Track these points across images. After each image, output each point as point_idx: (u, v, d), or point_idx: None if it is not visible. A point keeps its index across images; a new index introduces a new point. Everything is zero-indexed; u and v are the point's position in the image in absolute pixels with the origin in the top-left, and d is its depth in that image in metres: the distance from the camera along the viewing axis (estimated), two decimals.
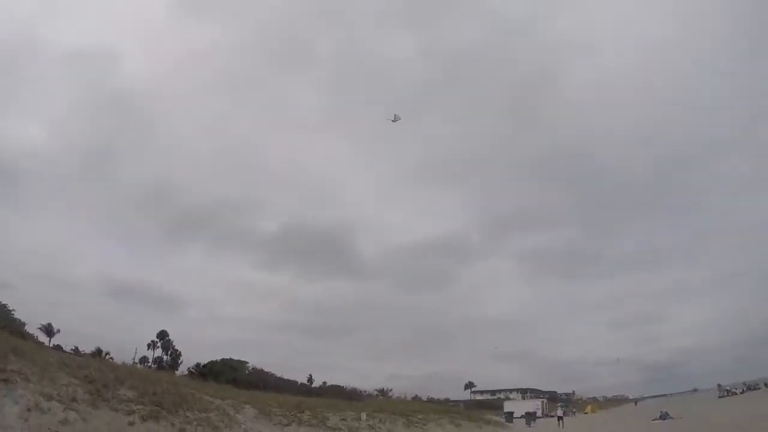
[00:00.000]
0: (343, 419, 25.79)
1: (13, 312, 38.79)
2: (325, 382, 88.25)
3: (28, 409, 12.87)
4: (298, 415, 23.59)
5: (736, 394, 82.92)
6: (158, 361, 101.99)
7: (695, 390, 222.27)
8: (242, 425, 19.15)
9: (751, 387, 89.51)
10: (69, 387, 14.93)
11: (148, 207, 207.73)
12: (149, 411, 15.97)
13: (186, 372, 68.08)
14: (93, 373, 17.06)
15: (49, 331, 74.31)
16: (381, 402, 40.67)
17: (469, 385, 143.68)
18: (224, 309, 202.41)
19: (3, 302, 38.33)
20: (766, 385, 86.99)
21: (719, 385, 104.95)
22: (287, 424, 21.75)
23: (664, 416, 43.74)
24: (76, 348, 59.03)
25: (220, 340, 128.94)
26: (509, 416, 63.82)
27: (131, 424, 14.89)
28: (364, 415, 27.45)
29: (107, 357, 61.29)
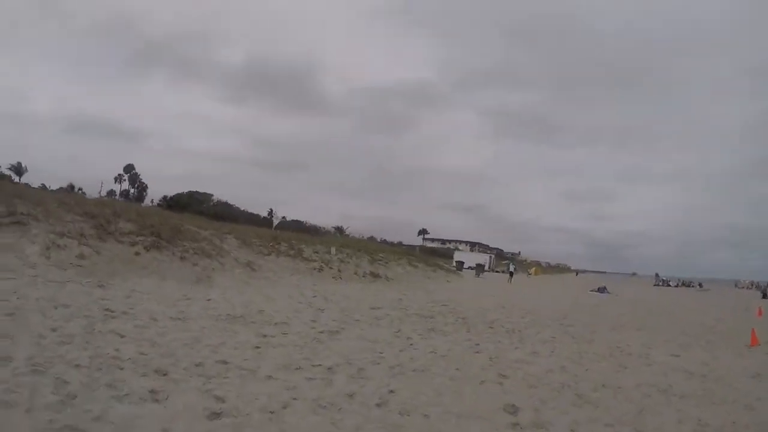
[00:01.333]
0: (316, 252, 27.13)
1: None
2: (284, 217, 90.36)
3: (47, 247, 13.60)
4: (276, 246, 24.78)
5: (670, 285, 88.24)
6: (125, 194, 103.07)
7: (634, 274, 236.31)
8: (231, 253, 20.30)
9: (685, 283, 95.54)
10: (75, 224, 15.77)
11: (106, 39, 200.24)
12: (151, 242, 16.99)
13: (153, 204, 69.02)
14: (93, 209, 17.94)
15: (18, 170, 74.07)
16: (344, 239, 42.18)
17: (422, 232, 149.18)
18: (187, 142, 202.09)
19: None
20: (700, 285, 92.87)
21: (657, 274, 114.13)
22: (267, 254, 22.89)
23: (602, 290, 46.99)
24: (44, 185, 59.04)
25: (184, 173, 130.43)
26: (459, 265, 67.15)
27: (137, 254, 15.86)
28: (333, 249, 28.91)
29: (80, 192, 61.52)
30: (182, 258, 17.14)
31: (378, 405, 6.29)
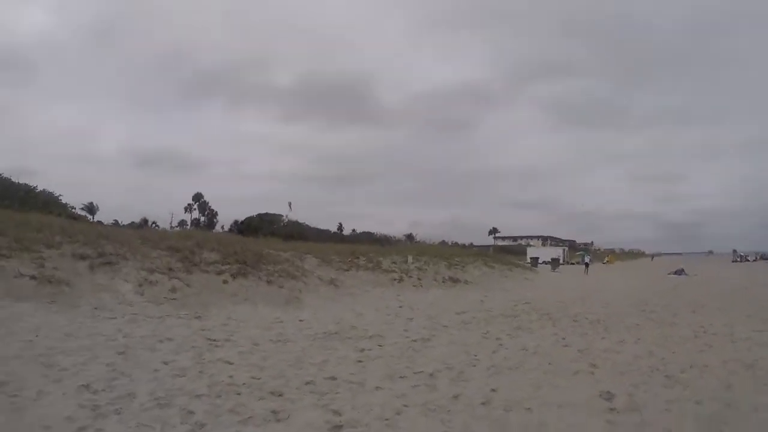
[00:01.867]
0: (394, 262, 27.53)
1: (60, 197, 39.57)
2: (354, 230, 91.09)
3: (140, 284, 14.20)
4: (355, 260, 25.23)
5: (748, 260, 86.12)
6: (196, 222, 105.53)
7: (710, 252, 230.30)
8: (314, 273, 20.81)
9: (764, 257, 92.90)
10: (161, 259, 16.35)
11: (161, 74, 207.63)
12: (236, 269, 17.51)
13: (226, 230, 70.31)
14: (176, 243, 18.60)
15: (91, 209, 76.57)
16: (418, 246, 42.41)
17: (493, 231, 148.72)
18: (249, 167, 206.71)
19: (48, 190, 38.89)
20: None
21: (734, 251, 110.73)
22: (347, 269, 23.31)
23: (679, 272, 46.58)
24: (116, 221, 61.02)
25: (250, 196, 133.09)
26: (534, 261, 67.09)
27: (225, 282, 16.37)
28: (410, 258, 29.24)
29: (153, 225, 63.58)
30: (269, 282, 17.58)
31: (483, 404, 6.87)
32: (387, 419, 6.16)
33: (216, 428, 5.65)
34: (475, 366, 9.10)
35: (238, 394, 6.83)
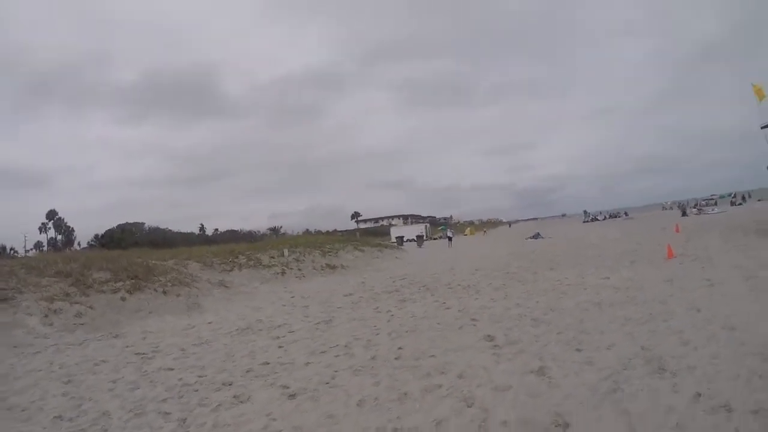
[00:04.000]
0: (272, 257, 28.48)
1: None
2: (217, 230, 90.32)
3: (45, 315, 14.00)
4: (234, 260, 26.02)
5: (598, 220, 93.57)
6: (53, 242, 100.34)
7: (564, 215, 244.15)
8: (202, 277, 21.34)
9: (612, 215, 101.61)
10: (53, 286, 16.20)
11: None
12: (131, 285, 17.70)
13: (87, 246, 67.91)
14: (62, 267, 18.38)
15: None
16: (289, 239, 43.26)
17: (356, 215, 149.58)
18: (99, 174, 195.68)
19: None
20: (626, 214, 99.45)
21: (585, 212, 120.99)
22: (230, 270, 24.07)
23: (536, 236, 50.79)
24: None
25: (105, 206, 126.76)
26: (400, 240, 70.08)
27: (123, 299, 16.48)
28: (286, 251, 30.21)
29: (11, 252, 60.55)
30: (165, 293, 17.98)
31: (396, 359, 8.59)
32: (327, 383, 7.61)
33: (196, 419, 6.57)
34: (378, 334, 10.75)
35: (196, 391, 7.81)
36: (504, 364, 7.67)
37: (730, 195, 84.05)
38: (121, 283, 17.71)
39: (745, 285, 11.46)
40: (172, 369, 9.32)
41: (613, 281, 14.39)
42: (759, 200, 53.33)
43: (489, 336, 9.46)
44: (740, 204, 67.51)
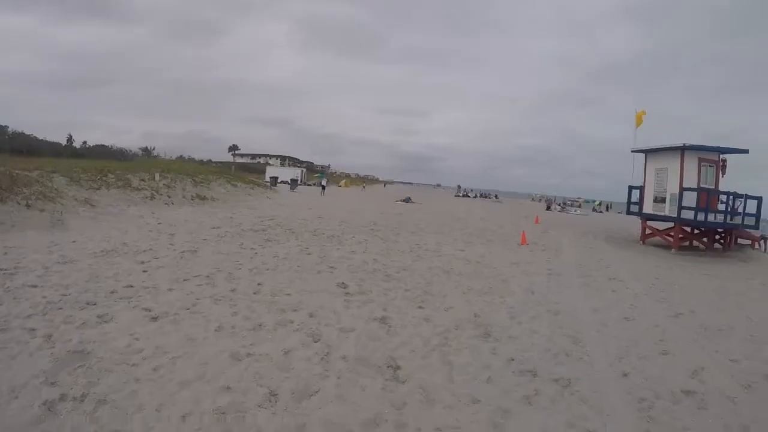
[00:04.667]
0: (143, 180, 27.83)
1: None
2: (85, 142, 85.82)
3: None
4: (104, 178, 25.19)
5: (469, 196, 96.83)
6: None
7: (438, 185, 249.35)
8: (67, 193, 20.47)
9: (483, 195, 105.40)
10: None
11: None
12: None
13: None
14: None
15: None
16: (162, 162, 42.18)
17: (233, 148, 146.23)
18: None
19: None
20: (496, 196, 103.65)
21: (459, 186, 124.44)
22: (98, 188, 23.29)
23: (407, 200, 52.42)
24: None
25: None
26: (274, 180, 68.92)
27: None
28: (157, 175, 29.61)
29: None
30: (28, 206, 16.97)
31: (255, 293, 9.19)
32: (188, 308, 8.06)
33: (62, 336, 6.63)
34: (240, 269, 11.26)
35: (60, 309, 7.78)
36: (352, 309, 8.47)
37: (594, 201, 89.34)
38: None
39: (579, 280, 12.90)
40: (35, 286, 9.07)
41: (467, 254, 15.59)
42: (618, 212, 58.05)
43: (343, 284, 10.30)
44: (601, 212, 72.32)
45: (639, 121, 27.01)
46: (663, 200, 23.65)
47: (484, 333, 7.58)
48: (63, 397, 4.89)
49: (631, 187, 26.45)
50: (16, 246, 12.56)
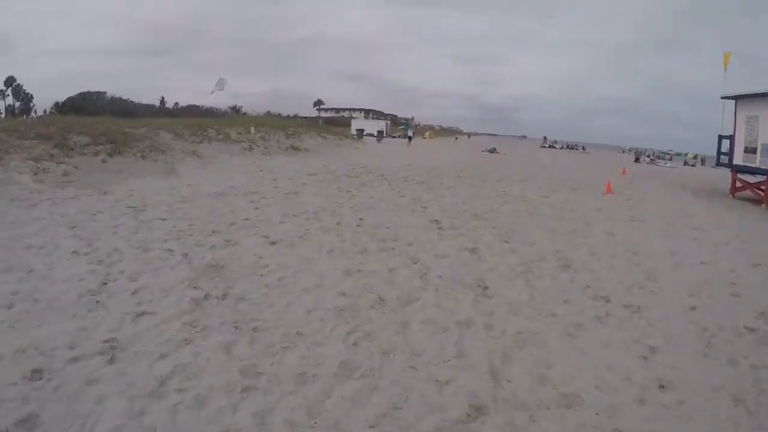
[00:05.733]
0: (240, 133, 29.00)
1: None
2: (177, 103, 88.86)
3: (35, 173, 14.21)
4: (205, 133, 26.26)
5: (555, 147, 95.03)
6: (11, 109, 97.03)
7: (524, 137, 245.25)
8: (177, 148, 21.75)
9: (570, 146, 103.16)
10: (36, 148, 16.11)
11: None
12: (111, 148, 17.97)
13: (47, 113, 66.33)
14: (42, 130, 18.08)
15: None
16: (254, 119, 43.51)
17: (318, 103, 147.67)
18: (58, 41, 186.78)
19: None
20: (583, 148, 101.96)
21: (545, 137, 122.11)
22: (200, 142, 24.45)
23: (492, 150, 52.66)
24: None
25: (65, 74, 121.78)
26: (360, 133, 69.94)
27: (104, 161, 16.84)
28: (252, 129, 30.73)
29: None
30: (143, 157, 18.52)
31: (357, 226, 10.38)
32: (300, 237, 9.26)
33: (197, 255, 7.79)
34: (341, 207, 12.42)
35: (191, 235, 9.07)
36: (445, 241, 9.48)
37: (686, 154, 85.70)
38: (101, 147, 17.97)
39: (660, 226, 13.22)
40: (164, 219, 10.35)
41: (551, 200, 16.20)
42: (712, 167, 55.03)
43: (436, 220, 11.32)
44: (693, 165, 69.62)
45: (726, 61, 26.19)
46: (754, 151, 22.39)
47: (564, 265, 8.37)
48: (207, 296, 6.08)
49: (720, 137, 25.40)
50: (139, 189, 14.01)
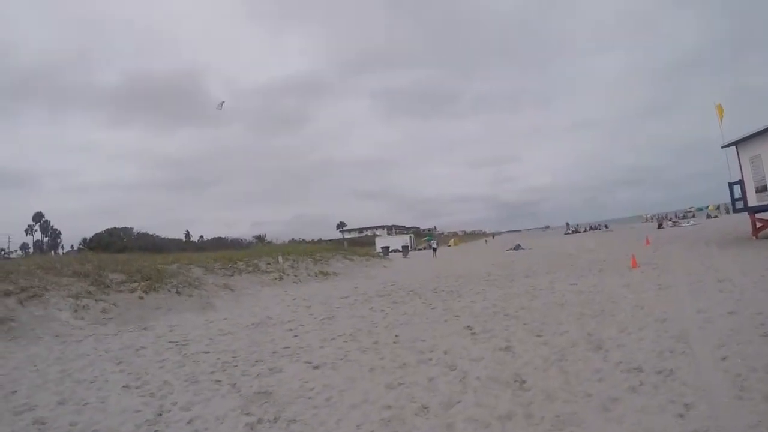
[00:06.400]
0: (269, 263, 30.05)
1: None
2: (202, 236, 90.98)
3: (75, 311, 15.00)
4: (234, 265, 27.26)
5: (579, 232, 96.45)
6: (39, 244, 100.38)
7: (547, 227, 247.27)
8: (210, 282, 22.63)
9: (593, 227, 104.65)
10: (74, 285, 17.13)
11: None
12: (146, 285, 18.84)
13: (74, 249, 68.15)
14: (79, 268, 19.39)
15: None
16: (278, 247, 44.57)
17: (341, 225, 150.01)
18: (83, 177, 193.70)
19: None
20: (606, 226, 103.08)
21: (567, 224, 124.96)
22: (231, 275, 25.23)
23: (517, 247, 52.71)
24: None
25: (90, 210, 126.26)
26: (385, 250, 71.63)
27: (141, 298, 17.64)
28: (280, 258, 31.78)
29: (1, 252, 61.22)
30: (178, 293, 19.32)
31: (394, 343, 10.78)
32: (341, 359, 9.70)
33: (244, 384, 8.31)
34: (376, 327, 12.86)
35: (236, 366, 9.60)
36: (479, 344, 9.84)
37: (706, 208, 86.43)
38: (136, 284, 18.87)
39: (687, 288, 13.54)
40: (207, 352, 11.00)
41: (579, 287, 16.47)
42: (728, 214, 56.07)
43: (469, 327, 11.67)
44: (716, 217, 70.15)
45: (720, 114, 26.88)
46: (765, 189, 23.14)
47: (596, 347, 8.69)
48: (260, 421, 6.53)
49: (730, 184, 26.23)
50: (178, 324, 14.79)
